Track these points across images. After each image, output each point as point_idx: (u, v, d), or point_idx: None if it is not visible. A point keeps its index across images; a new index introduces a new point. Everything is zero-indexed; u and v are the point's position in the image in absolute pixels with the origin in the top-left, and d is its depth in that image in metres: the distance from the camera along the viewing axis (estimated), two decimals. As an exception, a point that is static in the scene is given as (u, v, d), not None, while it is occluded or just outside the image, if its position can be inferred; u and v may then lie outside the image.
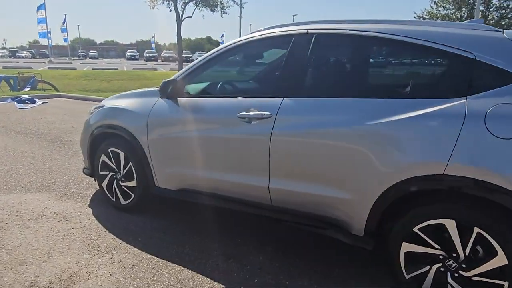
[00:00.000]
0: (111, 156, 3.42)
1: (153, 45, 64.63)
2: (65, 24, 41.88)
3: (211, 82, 3.16)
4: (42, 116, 8.45)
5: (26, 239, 2.94)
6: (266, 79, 3.29)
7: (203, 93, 3.01)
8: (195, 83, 3.04)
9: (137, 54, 55.35)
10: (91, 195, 3.89)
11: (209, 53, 3.00)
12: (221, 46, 2.96)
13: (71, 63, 39.40)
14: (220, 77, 3.25)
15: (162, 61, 49.49)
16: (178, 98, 2.96)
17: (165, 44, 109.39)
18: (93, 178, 3.89)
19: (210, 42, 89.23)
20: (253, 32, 2.91)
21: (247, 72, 3.73)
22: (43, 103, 10.70)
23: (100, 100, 4.80)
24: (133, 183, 3.33)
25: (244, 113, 2.59)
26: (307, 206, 2.49)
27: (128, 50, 56.39)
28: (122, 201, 3.46)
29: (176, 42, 28.56)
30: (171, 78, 2.96)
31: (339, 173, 2.29)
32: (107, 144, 3.45)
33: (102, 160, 3.50)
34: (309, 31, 2.56)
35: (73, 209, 3.54)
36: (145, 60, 50.21)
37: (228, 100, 2.78)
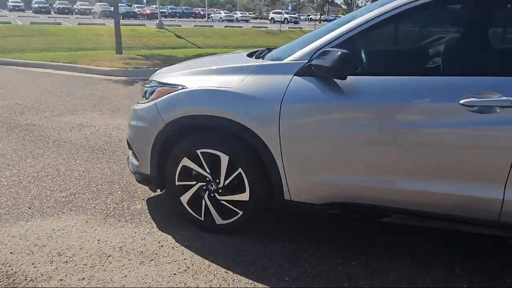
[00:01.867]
0: (202, 160, 2.38)
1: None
2: None
3: (393, 52, 2.26)
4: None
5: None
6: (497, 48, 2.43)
7: (382, 69, 2.12)
8: (362, 54, 2.13)
9: (22, 4, 46.68)
10: (147, 212, 2.78)
11: (383, 9, 2.08)
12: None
13: None
14: (394, 45, 2.36)
15: (55, 13, 42.61)
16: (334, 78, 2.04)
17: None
18: (155, 190, 2.82)
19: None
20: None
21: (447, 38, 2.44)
22: None
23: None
24: (242, 197, 2.36)
25: (473, 98, 1.83)
26: None
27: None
28: (219, 220, 2.47)
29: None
30: (332, 49, 1.99)
31: None
32: (195, 143, 2.38)
33: (184, 166, 2.43)
34: None
35: (143, 238, 2.45)
36: (33, 12, 42.75)
37: (435, 80, 1.96)
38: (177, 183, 2.49)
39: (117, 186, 3.16)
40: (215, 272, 2.16)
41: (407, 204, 2.11)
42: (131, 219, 2.68)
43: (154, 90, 2.51)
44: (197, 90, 2.34)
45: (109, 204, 2.88)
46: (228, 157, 2.31)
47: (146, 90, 2.61)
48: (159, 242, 2.41)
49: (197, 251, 2.34)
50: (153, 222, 2.65)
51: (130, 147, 2.76)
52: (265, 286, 2.06)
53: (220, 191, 2.42)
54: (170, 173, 2.49)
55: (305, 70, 2.11)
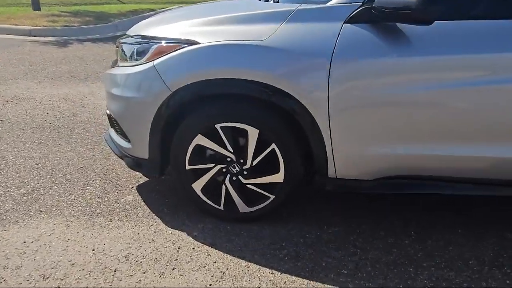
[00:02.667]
0: (223, 137, 1.87)
1: None
2: None
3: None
4: None
5: None
6: None
7: (467, 11, 1.71)
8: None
9: None
10: (143, 205, 2.22)
11: None
12: None
13: None
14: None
15: None
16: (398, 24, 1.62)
17: None
18: (156, 177, 2.28)
19: None
20: None
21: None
22: None
23: None
24: (275, 178, 1.92)
25: None
26: None
27: None
28: (243, 208, 2.01)
29: None
30: None
31: None
32: (213, 116, 1.85)
33: (197, 146, 1.90)
34: None
35: (151, 240, 1.92)
36: None
37: None
38: (188, 167, 1.96)
39: (93, 174, 2.53)
40: (259, 275, 1.74)
41: (480, 173, 1.83)
42: (126, 216, 2.11)
43: (149, 48, 1.89)
44: (215, 46, 1.77)
45: (90, 198, 2.26)
46: (258, 131, 1.83)
47: (135, 49, 1.96)
48: (173, 244, 1.91)
49: (226, 249, 1.89)
50: (156, 217, 2.11)
51: (113, 125, 2.14)
52: (326, 286, 1.70)
53: (245, 173, 1.95)
54: (177, 156, 1.95)
55: (361, 15, 1.65)
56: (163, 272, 1.73)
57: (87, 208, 2.16)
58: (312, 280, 1.72)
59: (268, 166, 1.92)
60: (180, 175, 2.00)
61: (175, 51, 1.80)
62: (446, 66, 1.67)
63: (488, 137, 1.74)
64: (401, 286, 1.71)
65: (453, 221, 2.14)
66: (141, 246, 1.88)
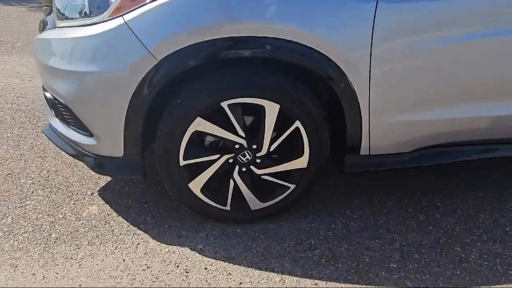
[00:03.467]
0: (232, 117, 1.39)
1: None
2: None
3: None
4: None
5: None
6: None
7: None
8: None
9: None
10: (115, 215, 1.66)
11: None
12: None
13: None
14: None
15: None
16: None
17: None
18: (127, 178, 1.78)
19: None
20: None
21: None
22: None
23: None
24: (298, 163, 1.52)
25: None
26: None
27: None
28: (255, 205, 1.58)
29: None
30: None
31: None
32: (217, 90, 1.35)
33: (195, 133, 1.40)
34: None
35: (145, 267, 1.40)
36: None
37: None
38: (182, 162, 1.46)
39: (29, 182, 1.86)
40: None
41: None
42: (97, 236, 1.55)
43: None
44: None
45: (36, 218, 1.63)
46: (278, 105, 1.39)
47: (86, 1, 1.33)
48: (177, 266, 1.43)
49: (246, 261, 1.46)
50: (139, 231, 1.58)
51: (60, 113, 1.52)
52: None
53: (259, 161, 1.51)
54: (166, 149, 1.42)
55: None
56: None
57: (37, 234, 1.54)
58: (367, 283, 1.40)
59: (288, 149, 1.50)
60: (170, 174, 1.48)
61: (157, -2, 1.23)
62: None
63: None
64: (458, 272, 1.48)
65: (468, 184, 1.98)
66: (134, 279, 1.37)
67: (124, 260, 1.44)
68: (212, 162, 1.48)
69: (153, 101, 1.32)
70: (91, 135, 1.45)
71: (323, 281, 1.40)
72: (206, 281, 1.37)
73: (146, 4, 1.24)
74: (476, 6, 1.36)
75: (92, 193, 1.80)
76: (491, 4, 1.39)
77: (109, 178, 1.90)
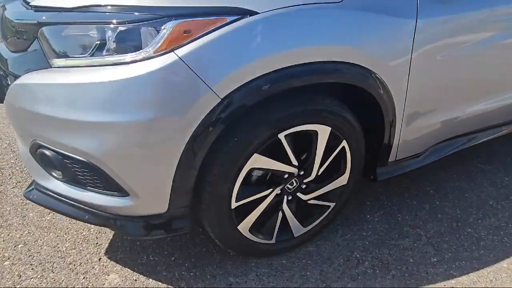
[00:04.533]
0: (288, 148, 1.29)
1: None
2: None
3: None
4: None
5: None
6: None
7: None
8: None
9: None
10: (148, 280, 1.39)
11: None
12: None
13: None
14: None
15: None
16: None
17: None
18: (169, 235, 1.41)
19: None
20: None
21: None
22: None
23: None
24: (340, 181, 1.49)
25: None
26: None
27: None
28: (298, 231, 1.51)
29: None
30: None
31: None
32: (276, 121, 1.23)
33: (251, 171, 1.26)
34: None
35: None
36: None
37: None
38: (234, 205, 1.30)
39: (7, 263, 1.43)
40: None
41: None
42: None
43: (149, 29, 1.05)
44: (281, 16, 1.11)
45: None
46: (330, 128, 1.34)
47: (111, 36, 1.06)
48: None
49: (314, 293, 1.40)
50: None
51: (75, 173, 1.20)
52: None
53: (304, 187, 1.45)
54: (218, 194, 1.25)
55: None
56: None
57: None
58: (423, 285, 1.47)
59: (333, 169, 1.47)
60: (220, 220, 1.31)
61: (217, 29, 1.06)
62: None
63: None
64: (482, 251, 1.66)
65: (443, 167, 2.22)
66: None
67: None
68: (264, 197, 1.36)
69: (212, 143, 1.14)
70: (125, 194, 1.18)
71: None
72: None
73: (203, 36, 1.05)
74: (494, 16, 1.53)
75: (100, 259, 1.48)
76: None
77: (108, 236, 1.59)
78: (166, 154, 1.12)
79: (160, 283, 1.41)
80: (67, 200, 1.27)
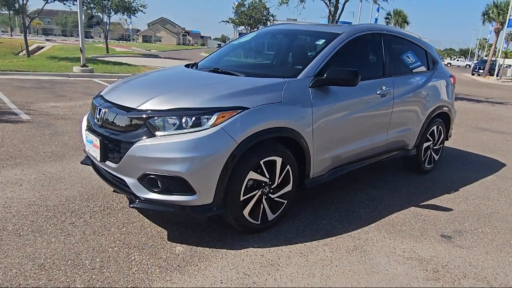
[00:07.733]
0: (264, 169, 2.73)
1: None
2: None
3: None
4: None
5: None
6: (377, 64, 3.86)
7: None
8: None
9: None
10: (200, 252, 2.58)
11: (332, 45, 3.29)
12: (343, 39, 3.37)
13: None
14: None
15: None
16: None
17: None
18: (204, 221, 2.69)
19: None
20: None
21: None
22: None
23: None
24: (288, 188, 2.95)
25: (379, 90, 3.53)
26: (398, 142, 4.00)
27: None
28: (270, 216, 2.90)
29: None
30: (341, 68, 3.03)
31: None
32: (259, 155, 2.69)
33: (249, 180, 2.68)
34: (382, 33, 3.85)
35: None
36: None
37: (369, 82, 3.47)
38: (242, 198, 2.65)
39: (134, 257, 2.51)
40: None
41: (358, 156, 3.58)
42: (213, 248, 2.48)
43: (210, 116, 2.49)
44: (259, 109, 2.64)
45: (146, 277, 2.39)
46: (281, 159, 2.82)
47: (190, 119, 2.48)
48: (325, 246, 2.56)
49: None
50: (244, 247, 2.59)
51: (168, 186, 2.45)
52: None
53: (272, 190, 2.87)
54: (234, 192, 2.61)
55: (316, 81, 3.02)
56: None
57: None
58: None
59: (284, 181, 2.92)
60: (235, 207, 2.64)
61: (236, 115, 2.52)
62: (354, 104, 3.34)
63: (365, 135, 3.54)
64: (448, 219, 3.19)
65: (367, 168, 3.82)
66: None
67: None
68: (255, 195, 2.74)
69: (233, 165, 2.51)
70: (194, 193, 2.46)
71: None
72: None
73: (229, 119, 2.51)
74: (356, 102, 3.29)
75: (162, 238, 2.66)
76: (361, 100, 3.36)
77: (160, 225, 2.76)
78: (214, 171, 2.47)
79: (207, 248, 2.62)
80: (160, 203, 2.49)
